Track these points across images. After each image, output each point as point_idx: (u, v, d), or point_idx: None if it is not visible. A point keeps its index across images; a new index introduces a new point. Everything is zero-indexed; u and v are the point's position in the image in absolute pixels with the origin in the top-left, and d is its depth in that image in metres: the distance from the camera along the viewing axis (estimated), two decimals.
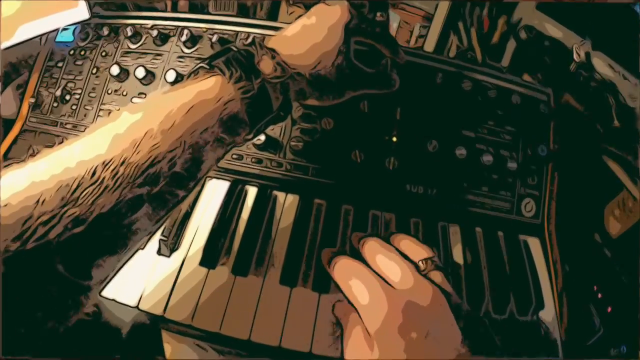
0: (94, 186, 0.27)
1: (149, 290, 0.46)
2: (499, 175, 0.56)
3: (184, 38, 0.58)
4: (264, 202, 0.53)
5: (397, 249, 0.38)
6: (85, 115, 0.60)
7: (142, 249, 0.48)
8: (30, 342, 0.27)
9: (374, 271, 0.36)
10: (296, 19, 0.44)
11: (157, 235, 0.48)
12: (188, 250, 0.49)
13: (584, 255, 0.59)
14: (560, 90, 0.62)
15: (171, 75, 0.56)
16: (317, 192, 0.54)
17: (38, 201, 0.26)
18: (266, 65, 0.37)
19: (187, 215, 0.51)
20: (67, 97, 0.61)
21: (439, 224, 0.54)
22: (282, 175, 0.55)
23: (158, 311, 0.45)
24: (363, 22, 0.45)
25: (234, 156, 0.55)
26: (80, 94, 0.61)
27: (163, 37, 0.60)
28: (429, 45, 0.69)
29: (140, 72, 0.57)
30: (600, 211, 0.61)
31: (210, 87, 0.34)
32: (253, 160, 0.55)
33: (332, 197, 0.54)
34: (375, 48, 0.48)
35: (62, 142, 0.57)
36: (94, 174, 0.28)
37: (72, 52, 0.63)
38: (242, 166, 0.55)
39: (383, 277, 0.35)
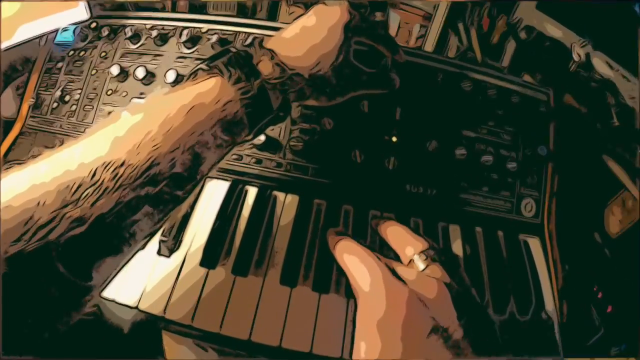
0: (94, 187, 0.27)
1: (149, 291, 0.46)
2: (499, 175, 0.56)
3: (183, 38, 0.58)
4: (264, 202, 0.53)
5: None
6: (85, 116, 0.60)
7: (142, 249, 0.48)
8: (30, 343, 0.27)
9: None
10: (295, 19, 0.44)
11: (157, 236, 0.48)
12: (188, 250, 0.49)
13: (584, 254, 0.59)
14: (560, 90, 0.62)
15: (171, 76, 0.56)
16: (317, 192, 0.54)
17: (39, 203, 0.26)
18: (265, 66, 0.37)
19: (187, 216, 0.51)
20: (67, 98, 0.61)
21: (439, 224, 0.54)
22: (282, 175, 0.55)
23: (158, 311, 0.45)
24: (363, 22, 0.45)
25: (234, 156, 0.55)
26: (80, 94, 0.61)
27: (163, 38, 0.60)
28: (429, 45, 0.69)
29: (140, 73, 0.57)
30: (600, 211, 0.61)
31: (209, 88, 0.34)
32: (253, 160, 0.55)
33: (332, 197, 0.54)
34: (374, 48, 0.48)
35: (62, 142, 0.57)
36: (94, 175, 0.28)
37: (71, 53, 0.63)
38: (242, 166, 0.55)
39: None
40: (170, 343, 0.48)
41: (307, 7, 0.43)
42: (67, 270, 0.27)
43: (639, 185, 0.57)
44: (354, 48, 0.44)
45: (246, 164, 0.55)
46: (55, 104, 0.61)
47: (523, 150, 0.57)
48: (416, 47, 0.70)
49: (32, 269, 0.26)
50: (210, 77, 0.35)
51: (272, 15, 0.71)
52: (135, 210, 0.30)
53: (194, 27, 0.60)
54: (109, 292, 0.45)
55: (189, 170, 0.32)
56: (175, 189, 0.32)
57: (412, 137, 0.55)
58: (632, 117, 0.60)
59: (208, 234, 0.50)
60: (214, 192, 0.53)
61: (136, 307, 0.45)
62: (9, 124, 0.62)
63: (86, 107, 0.60)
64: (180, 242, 0.49)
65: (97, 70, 0.61)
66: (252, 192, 0.54)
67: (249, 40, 0.58)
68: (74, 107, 0.60)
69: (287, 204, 0.53)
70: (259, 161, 0.55)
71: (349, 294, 0.46)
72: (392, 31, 0.70)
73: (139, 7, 0.68)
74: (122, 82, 0.60)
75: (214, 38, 0.58)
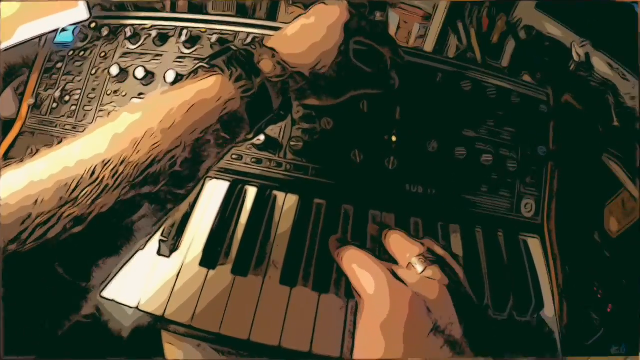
0: (93, 186, 0.27)
1: (148, 291, 0.46)
2: (499, 175, 0.56)
3: (183, 38, 0.58)
4: (263, 202, 0.53)
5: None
6: (84, 116, 0.60)
7: (142, 249, 0.48)
8: (31, 343, 0.27)
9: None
10: (295, 18, 0.44)
11: (157, 236, 0.48)
12: (188, 250, 0.49)
13: (584, 254, 0.59)
14: (560, 90, 0.62)
15: (171, 76, 0.56)
16: (317, 192, 0.54)
17: (37, 201, 0.26)
18: (266, 65, 0.37)
19: (187, 216, 0.51)
20: (67, 98, 0.61)
21: (438, 223, 0.54)
22: (282, 175, 0.55)
23: (158, 312, 0.45)
24: (362, 22, 0.45)
25: (234, 156, 0.55)
26: (79, 94, 0.61)
27: (162, 38, 0.60)
28: (429, 45, 0.69)
29: (140, 73, 0.57)
30: (600, 210, 0.61)
31: (210, 86, 0.34)
32: (253, 160, 0.55)
33: (332, 197, 0.54)
34: (374, 48, 0.48)
35: (61, 142, 0.57)
36: (93, 173, 0.27)
37: (71, 53, 0.63)
38: (241, 166, 0.55)
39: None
40: (170, 343, 0.48)
41: (307, 7, 0.43)
42: (66, 271, 0.27)
43: (639, 185, 0.57)
44: (354, 48, 0.44)
45: (246, 163, 0.55)
46: (55, 104, 0.61)
47: (523, 150, 0.57)
48: (416, 47, 0.70)
49: (30, 269, 0.25)
50: (211, 74, 0.35)
51: (272, 15, 0.70)
52: (135, 209, 0.30)
53: (194, 27, 0.60)
54: (108, 292, 0.45)
55: (189, 169, 0.32)
56: (175, 187, 0.32)
57: (412, 137, 0.55)
58: (632, 117, 0.60)
59: (208, 234, 0.50)
60: (213, 192, 0.53)
61: (136, 307, 0.45)
62: (8, 124, 0.62)
63: (86, 107, 0.60)
64: (180, 242, 0.49)
65: (96, 71, 0.61)
66: (252, 192, 0.54)
67: (248, 40, 0.58)
68: (73, 107, 0.60)
69: (287, 203, 0.53)
70: (259, 161, 0.55)
71: (349, 294, 0.46)
72: (392, 31, 0.70)
73: (138, 7, 0.68)
74: (122, 82, 0.60)
75: (214, 38, 0.58)
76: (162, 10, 0.70)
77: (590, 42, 0.62)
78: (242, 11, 0.69)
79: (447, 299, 0.34)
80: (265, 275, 0.48)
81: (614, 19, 0.58)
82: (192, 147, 0.32)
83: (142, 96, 0.58)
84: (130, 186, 0.29)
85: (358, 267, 0.36)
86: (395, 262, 0.39)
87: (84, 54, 0.62)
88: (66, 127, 0.60)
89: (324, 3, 0.44)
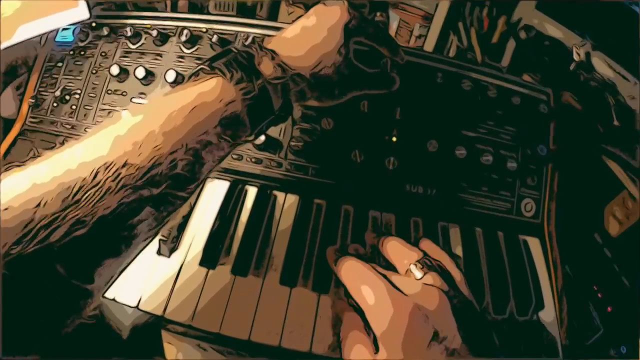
0: (95, 188, 0.27)
1: (149, 291, 0.46)
2: (499, 175, 0.56)
3: (183, 38, 0.58)
4: (264, 202, 0.53)
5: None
6: (85, 116, 0.60)
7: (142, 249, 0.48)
8: (31, 343, 0.27)
9: (382, 274, 0.36)
10: (296, 19, 0.44)
11: (157, 236, 0.48)
12: (188, 250, 0.49)
13: (584, 255, 0.59)
14: (560, 90, 0.62)
15: (171, 75, 0.56)
16: (317, 192, 0.54)
17: (39, 204, 0.26)
18: (266, 67, 0.37)
19: (187, 216, 0.51)
20: (67, 97, 0.61)
21: (438, 224, 0.54)
22: (282, 175, 0.55)
23: (158, 311, 0.45)
24: (363, 23, 0.45)
25: (234, 156, 0.55)
26: (80, 94, 0.61)
27: (163, 37, 0.60)
28: (429, 45, 0.69)
29: (140, 72, 0.57)
30: (600, 211, 0.61)
31: (211, 88, 0.34)
32: (253, 160, 0.55)
33: (332, 197, 0.54)
34: (375, 48, 0.48)
35: (62, 142, 0.57)
36: (95, 176, 0.27)
37: (71, 52, 0.63)
38: (242, 166, 0.55)
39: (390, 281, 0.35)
40: (170, 343, 0.48)
41: (307, 7, 0.43)
42: (68, 273, 0.27)
43: (639, 186, 0.56)
44: (354, 48, 0.44)
45: (246, 163, 0.55)
46: (55, 104, 0.61)
47: (523, 150, 0.57)
48: (416, 47, 0.70)
49: (33, 272, 0.26)
50: (212, 77, 0.35)
51: (272, 15, 0.71)
52: (137, 211, 0.30)
53: (194, 27, 0.60)
54: (109, 292, 0.45)
55: (191, 171, 0.32)
56: (177, 189, 0.32)
57: (412, 137, 0.55)
58: (632, 117, 0.60)
59: (208, 234, 0.50)
60: (214, 192, 0.53)
61: (136, 307, 0.45)
62: (9, 124, 0.62)
63: (86, 106, 0.60)
64: (180, 242, 0.49)
65: (97, 70, 0.61)
66: (252, 192, 0.54)
67: (249, 40, 0.58)
68: (74, 107, 0.60)
69: (287, 204, 0.53)
70: (259, 161, 0.55)
71: (349, 294, 0.46)
72: (392, 31, 0.70)
73: (139, 7, 0.68)
74: (122, 81, 0.60)
75: (214, 38, 0.58)
76: (163, 10, 0.70)
77: (591, 42, 0.62)
78: (242, 11, 0.69)
79: (446, 309, 0.34)
80: (265, 276, 0.48)
81: (614, 19, 0.58)
82: (193, 149, 0.32)
83: (142, 95, 0.59)
84: (132, 188, 0.29)
85: (356, 278, 0.36)
86: (393, 268, 0.39)
87: (85, 53, 0.62)
88: (66, 126, 0.60)
89: (324, 4, 0.44)
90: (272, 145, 0.55)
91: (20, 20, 0.58)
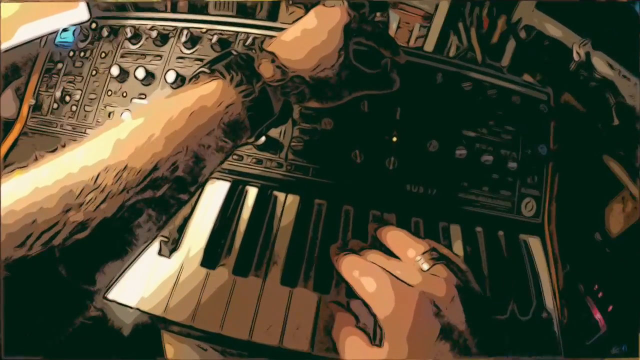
0: (97, 192, 0.27)
1: (149, 291, 0.46)
2: (499, 175, 0.56)
3: (183, 39, 0.58)
4: (264, 203, 0.53)
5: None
6: (85, 117, 0.60)
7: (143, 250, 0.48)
8: (33, 344, 0.27)
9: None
10: (296, 20, 0.44)
11: (158, 236, 0.48)
12: (188, 250, 0.49)
13: (585, 254, 0.59)
14: (560, 90, 0.62)
15: (171, 76, 0.56)
16: (317, 193, 0.54)
17: (41, 207, 0.26)
18: (266, 69, 0.37)
19: (188, 216, 0.51)
20: (67, 98, 0.61)
21: (439, 223, 0.54)
22: (282, 175, 0.55)
23: (159, 312, 0.45)
24: (362, 23, 0.45)
25: (234, 157, 0.55)
26: (80, 95, 0.61)
27: (163, 38, 0.60)
28: (429, 45, 0.69)
29: (140, 73, 0.57)
30: (601, 210, 0.61)
31: (211, 91, 0.34)
32: (253, 160, 0.55)
33: (333, 197, 0.54)
34: (375, 48, 0.48)
35: (62, 143, 0.57)
36: (96, 179, 0.28)
37: (71, 54, 0.63)
38: (242, 167, 0.55)
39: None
40: (170, 343, 0.48)
41: (307, 7, 0.43)
42: (70, 275, 0.27)
43: (639, 185, 0.57)
44: (354, 48, 0.44)
45: (247, 164, 0.55)
46: (55, 105, 0.61)
47: (523, 149, 0.57)
48: (416, 47, 0.70)
49: (35, 274, 0.26)
50: (212, 80, 0.35)
51: (272, 15, 0.70)
52: (139, 214, 0.30)
53: (194, 28, 0.60)
54: (110, 293, 0.45)
55: (192, 174, 0.33)
56: (178, 192, 0.32)
57: (412, 137, 0.55)
58: (632, 116, 0.60)
59: (208, 235, 0.50)
60: (214, 193, 0.53)
61: (137, 308, 0.45)
62: (9, 125, 0.62)
63: (86, 107, 0.60)
64: (181, 242, 0.49)
65: (97, 71, 0.61)
66: (252, 192, 0.54)
67: (249, 41, 0.58)
68: (74, 108, 0.60)
69: (287, 204, 0.53)
70: (259, 161, 0.55)
71: (350, 294, 0.46)
72: (392, 31, 0.70)
73: (138, 8, 0.68)
74: (122, 82, 0.60)
75: (214, 38, 0.58)
76: (163, 10, 0.70)
77: (591, 41, 0.62)
78: (242, 11, 0.69)
79: (455, 297, 0.34)
80: (265, 276, 0.48)
81: (614, 19, 0.58)
82: (193, 152, 0.32)
83: (142, 96, 0.59)
84: (133, 191, 0.29)
85: (358, 272, 0.36)
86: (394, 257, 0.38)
87: (85, 54, 0.62)
88: (67, 127, 0.60)
89: (323, 5, 0.44)
90: (272, 145, 0.55)
91: (20, 22, 0.58)
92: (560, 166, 0.58)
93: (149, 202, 0.30)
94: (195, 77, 0.36)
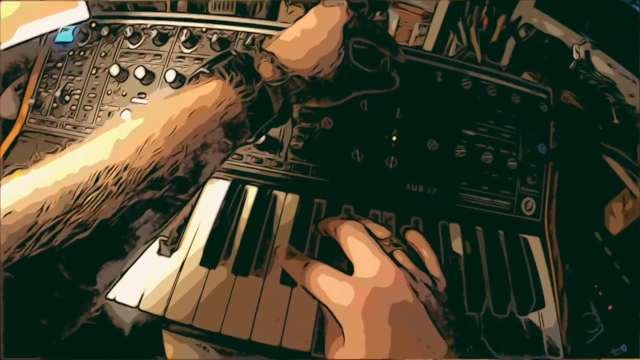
0: (97, 192, 0.27)
1: (149, 291, 0.46)
2: (499, 174, 0.56)
3: (183, 38, 0.58)
4: (264, 202, 0.53)
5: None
6: (85, 116, 0.60)
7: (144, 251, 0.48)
8: (33, 345, 0.27)
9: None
10: (295, 20, 0.44)
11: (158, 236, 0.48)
12: (188, 250, 0.49)
13: (585, 253, 0.59)
14: (560, 89, 0.62)
15: (171, 75, 0.56)
16: (317, 192, 0.54)
17: (42, 208, 0.26)
18: (266, 69, 0.37)
19: (188, 215, 0.51)
20: (67, 98, 0.61)
21: (439, 222, 0.54)
22: (282, 174, 0.55)
23: (159, 311, 0.45)
24: (362, 23, 0.45)
25: (234, 156, 0.55)
26: (79, 94, 0.61)
27: (162, 37, 0.60)
28: (429, 45, 0.69)
29: (140, 72, 0.57)
30: (601, 209, 0.61)
31: (211, 91, 0.34)
32: (253, 159, 0.55)
33: (332, 196, 0.54)
34: (374, 48, 0.48)
35: (62, 143, 0.57)
36: (97, 179, 0.28)
37: (71, 53, 0.63)
38: (242, 166, 0.55)
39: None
40: (170, 343, 0.48)
41: (307, 6, 0.43)
42: (71, 275, 0.27)
43: (639, 184, 0.57)
44: (354, 47, 0.44)
45: (246, 163, 0.55)
46: (55, 104, 0.61)
47: (523, 148, 0.57)
48: (416, 46, 0.70)
49: (36, 275, 0.26)
50: (212, 80, 0.35)
51: (272, 15, 0.70)
52: (139, 215, 0.30)
53: (194, 27, 0.60)
54: (110, 292, 0.45)
55: (192, 174, 0.33)
56: (178, 192, 0.32)
57: (412, 136, 0.55)
58: (631, 115, 0.60)
59: (208, 234, 0.50)
60: (214, 192, 0.53)
61: (137, 307, 0.45)
62: (8, 124, 0.62)
63: (86, 107, 0.60)
64: (181, 241, 0.49)
65: (96, 70, 0.61)
66: (252, 191, 0.54)
67: (248, 40, 0.58)
68: (74, 107, 0.60)
69: (287, 203, 0.53)
70: (259, 160, 0.55)
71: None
72: (392, 30, 0.70)
73: (138, 7, 0.68)
74: (122, 82, 0.60)
75: (214, 38, 0.58)
76: (162, 10, 0.70)
77: (590, 40, 0.62)
78: (242, 11, 0.69)
79: (404, 286, 0.35)
80: (265, 275, 0.48)
81: (614, 18, 0.58)
82: (194, 152, 0.32)
83: (142, 95, 0.59)
84: (133, 192, 0.29)
85: (325, 283, 0.36)
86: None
87: (84, 53, 0.62)
88: (66, 126, 0.60)
89: (323, 4, 0.44)
90: (272, 145, 0.55)
91: (20, 21, 0.58)
92: (560, 165, 0.58)
93: (149, 202, 0.30)
94: (195, 77, 0.36)
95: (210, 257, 0.48)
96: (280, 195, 0.54)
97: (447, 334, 0.34)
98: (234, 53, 0.38)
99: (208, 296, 0.46)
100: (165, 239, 0.48)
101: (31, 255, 0.25)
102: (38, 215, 0.26)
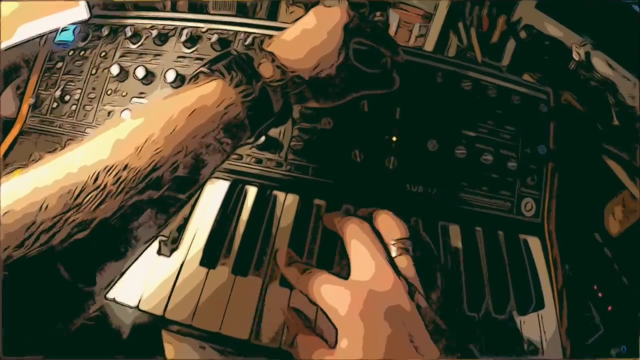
0: (96, 192, 0.27)
1: (149, 291, 0.46)
2: (499, 175, 0.56)
3: (183, 38, 0.58)
4: (264, 202, 0.53)
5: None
6: (85, 116, 0.60)
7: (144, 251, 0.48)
8: (32, 344, 0.27)
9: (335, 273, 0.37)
10: (295, 20, 0.44)
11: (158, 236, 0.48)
12: (188, 250, 0.49)
13: (584, 254, 0.59)
14: (560, 90, 0.62)
15: (171, 75, 0.56)
16: (317, 192, 0.54)
17: (41, 207, 0.26)
18: (266, 69, 0.37)
19: (187, 215, 0.51)
20: (67, 98, 0.61)
21: (439, 223, 0.54)
22: (282, 175, 0.55)
23: (158, 311, 0.45)
24: (362, 23, 0.45)
25: (234, 156, 0.55)
26: (80, 94, 0.61)
27: (163, 37, 0.60)
28: (429, 45, 0.69)
29: (140, 72, 0.57)
30: (600, 210, 0.61)
31: (211, 91, 0.34)
32: (253, 160, 0.55)
33: (332, 196, 0.54)
34: (374, 48, 0.48)
35: (62, 142, 0.57)
36: (96, 179, 0.27)
37: (71, 53, 0.63)
38: (242, 166, 0.55)
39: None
40: (170, 343, 0.48)
41: (307, 6, 0.43)
42: (70, 275, 0.27)
43: (639, 185, 0.57)
44: (354, 48, 0.44)
45: (246, 163, 0.55)
46: (55, 104, 0.61)
47: (523, 149, 0.57)
48: (416, 46, 0.70)
49: (35, 275, 0.26)
50: (212, 80, 0.35)
51: (272, 14, 0.70)
52: (138, 214, 0.30)
53: (194, 27, 0.60)
54: (109, 292, 0.45)
55: (192, 174, 0.32)
56: (177, 192, 0.32)
57: (412, 136, 0.55)
58: (631, 116, 0.60)
59: (208, 234, 0.50)
60: (214, 192, 0.53)
61: (136, 307, 0.45)
62: (8, 124, 0.62)
63: (86, 106, 0.60)
64: (181, 241, 0.49)
65: (97, 70, 0.61)
66: (252, 191, 0.54)
67: (248, 40, 0.58)
68: (74, 107, 0.60)
69: (287, 203, 0.53)
70: (259, 161, 0.55)
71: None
72: (392, 31, 0.70)
73: (138, 7, 0.68)
74: (122, 81, 0.60)
75: (214, 38, 0.58)
76: (163, 9, 0.70)
77: (591, 41, 0.62)
78: (242, 11, 0.69)
79: (400, 293, 0.34)
80: (265, 276, 0.48)
81: (614, 18, 0.58)
82: (193, 152, 0.32)
83: (142, 96, 0.59)
84: (133, 192, 0.29)
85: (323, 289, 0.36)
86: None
87: (85, 53, 0.62)
88: (66, 126, 0.60)
89: (323, 4, 0.44)
90: (272, 145, 0.55)
91: (20, 21, 0.58)
92: (559, 166, 0.58)
93: (149, 202, 0.30)
94: (195, 77, 0.36)
95: (210, 257, 0.48)
96: (280, 195, 0.54)
97: (439, 339, 0.34)
98: (234, 53, 0.38)
99: (208, 296, 0.46)
100: (165, 239, 0.48)
101: (30, 254, 0.25)
102: (37, 215, 0.25)
